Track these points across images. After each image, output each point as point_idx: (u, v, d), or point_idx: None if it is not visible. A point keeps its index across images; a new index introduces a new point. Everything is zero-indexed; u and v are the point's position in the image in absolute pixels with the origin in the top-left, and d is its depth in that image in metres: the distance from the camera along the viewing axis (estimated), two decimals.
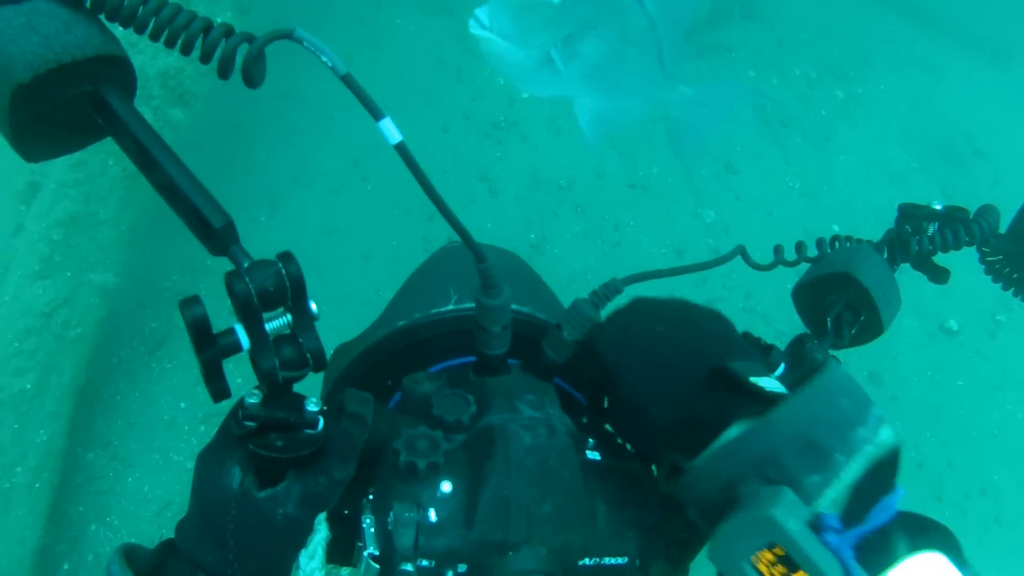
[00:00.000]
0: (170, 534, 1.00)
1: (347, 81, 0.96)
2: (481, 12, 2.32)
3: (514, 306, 1.27)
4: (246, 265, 0.87)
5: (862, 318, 1.33)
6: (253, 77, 0.95)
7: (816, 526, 0.83)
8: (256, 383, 0.91)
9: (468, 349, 1.25)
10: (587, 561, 1.05)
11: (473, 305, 1.14)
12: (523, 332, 1.29)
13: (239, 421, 0.92)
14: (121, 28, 0.97)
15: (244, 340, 0.87)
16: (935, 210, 1.47)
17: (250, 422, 0.92)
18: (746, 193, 4.89)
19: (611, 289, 1.25)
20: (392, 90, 4.61)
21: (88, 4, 0.95)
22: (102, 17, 0.97)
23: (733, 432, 0.94)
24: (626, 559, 1.07)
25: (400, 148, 0.98)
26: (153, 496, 3.43)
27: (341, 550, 1.05)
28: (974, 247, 1.48)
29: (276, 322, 0.88)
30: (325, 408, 0.97)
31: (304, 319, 0.90)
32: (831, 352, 1.29)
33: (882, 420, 0.93)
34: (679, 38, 2.65)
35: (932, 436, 4.27)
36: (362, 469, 1.01)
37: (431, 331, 1.39)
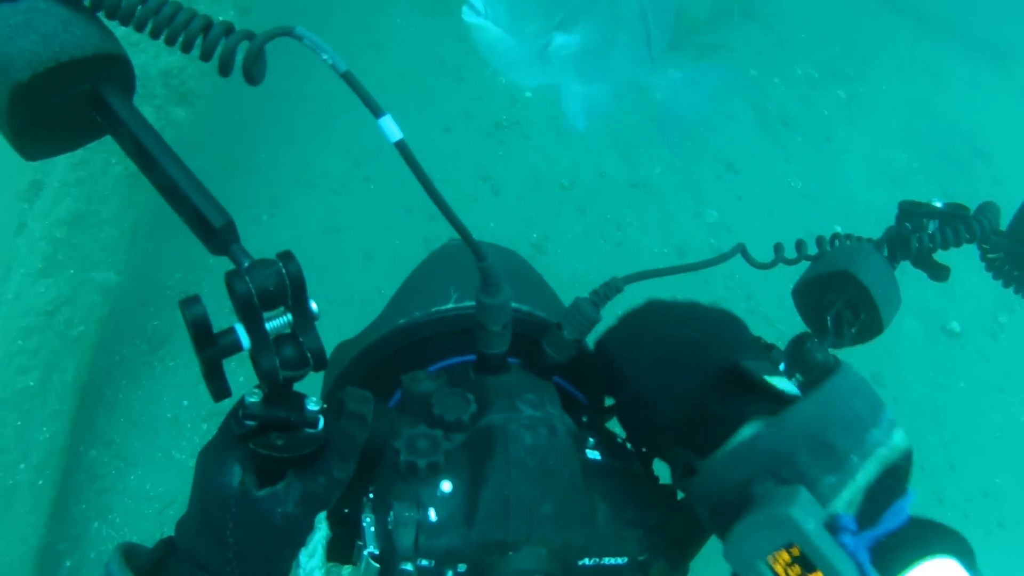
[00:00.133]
0: (172, 532, 1.00)
1: (347, 79, 0.96)
2: None
3: (514, 305, 1.27)
4: (246, 264, 0.87)
5: (862, 317, 1.33)
6: (253, 75, 0.95)
7: (832, 527, 0.83)
8: (257, 382, 0.92)
9: (468, 348, 1.25)
10: (587, 561, 1.05)
11: (473, 303, 1.14)
12: (523, 331, 1.29)
13: (239, 420, 0.92)
14: (121, 26, 0.97)
15: (244, 339, 0.87)
16: (935, 207, 1.47)
17: (250, 421, 0.92)
18: (748, 193, 4.89)
19: (612, 288, 1.25)
20: (393, 90, 4.61)
21: (87, 2, 0.95)
22: (101, 15, 0.96)
23: (747, 431, 0.94)
24: (626, 559, 1.07)
25: (400, 146, 0.98)
26: (155, 494, 3.43)
27: (341, 549, 1.05)
28: (975, 245, 1.48)
29: (276, 321, 0.88)
30: (325, 407, 0.97)
31: (304, 318, 0.90)
32: (831, 351, 1.29)
33: (895, 423, 0.93)
34: (668, 22, 2.63)
35: (934, 438, 4.26)
36: (362, 468, 1.01)
37: (431, 330, 1.39)
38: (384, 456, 1.04)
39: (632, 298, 1.25)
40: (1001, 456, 4.30)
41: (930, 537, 0.88)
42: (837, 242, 1.48)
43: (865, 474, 0.89)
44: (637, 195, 4.69)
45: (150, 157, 0.93)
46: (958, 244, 1.44)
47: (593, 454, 1.14)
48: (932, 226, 1.47)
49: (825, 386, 0.93)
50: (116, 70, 0.97)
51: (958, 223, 1.43)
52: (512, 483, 0.99)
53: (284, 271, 0.86)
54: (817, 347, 1.26)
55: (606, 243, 4.43)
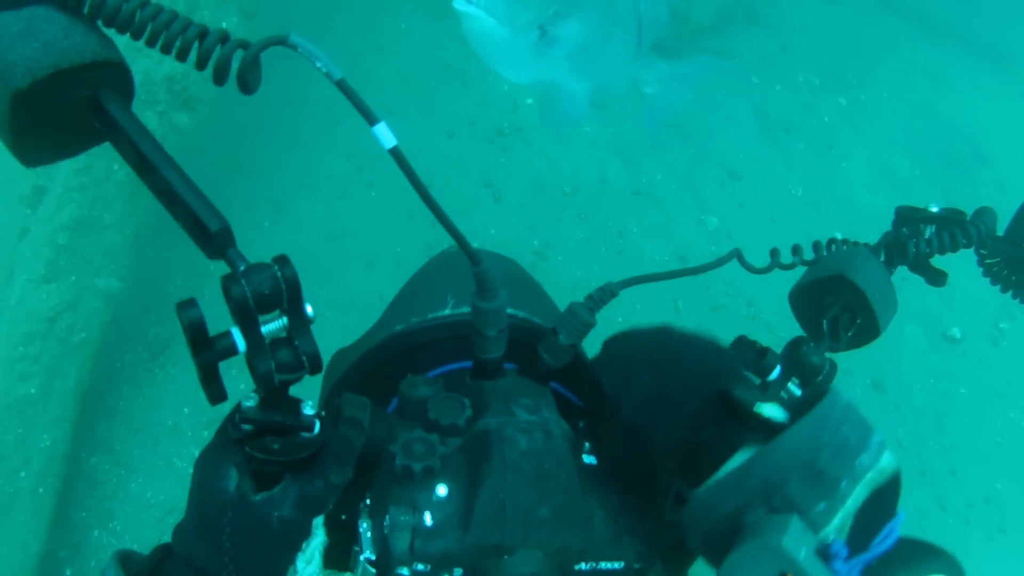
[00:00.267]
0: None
1: (342, 86, 0.96)
2: None
3: (510, 310, 1.27)
4: (242, 268, 0.87)
5: (858, 321, 1.33)
6: (248, 83, 0.95)
7: (824, 554, 0.84)
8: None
9: (465, 354, 1.25)
10: (583, 566, 1.05)
11: (469, 309, 1.14)
12: (519, 336, 1.29)
13: (236, 424, 0.92)
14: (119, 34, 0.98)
15: (240, 343, 0.87)
16: (932, 212, 1.47)
17: (247, 425, 0.92)
18: (749, 200, 4.89)
19: (607, 293, 1.25)
20: (397, 95, 4.62)
21: (86, 10, 0.96)
22: (100, 23, 0.97)
23: (737, 460, 0.94)
24: (623, 563, 1.07)
25: (394, 152, 0.98)
26: (156, 501, 3.43)
27: (339, 555, 1.05)
28: (972, 250, 1.48)
29: (272, 325, 0.89)
30: (322, 412, 0.97)
31: (300, 322, 0.90)
32: (828, 355, 1.29)
33: (883, 446, 0.93)
34: (661, 18, 2.60)
35: (935, 444, 4.25)
36: (359, 473, 1.01)
37: (428, 336, 1.39)
38: (381, 461, 1.04)
39: (630, 302, 1.25)
40: (1002, 462, 4.29)
41: (920, 558, 0.89)
42: (834, 247, 1.48)
43: (855, 499, 0.90)
44: (639, 202, 4.69)
45: (148, 162, 0.94)
46: (955, 249, 1.44)
47: (589, 458, 1.14)
48: (929, 231, 1.47)
49: (813, 413, 0.94)
50: (115, 76, 0.98)
51: (955, 228, 1.43)
52: (508, 487, 0.99)
53: (280, 275, 0.86)
54: (813, 351, 1.26)
55: (608, 250, 4.44)
